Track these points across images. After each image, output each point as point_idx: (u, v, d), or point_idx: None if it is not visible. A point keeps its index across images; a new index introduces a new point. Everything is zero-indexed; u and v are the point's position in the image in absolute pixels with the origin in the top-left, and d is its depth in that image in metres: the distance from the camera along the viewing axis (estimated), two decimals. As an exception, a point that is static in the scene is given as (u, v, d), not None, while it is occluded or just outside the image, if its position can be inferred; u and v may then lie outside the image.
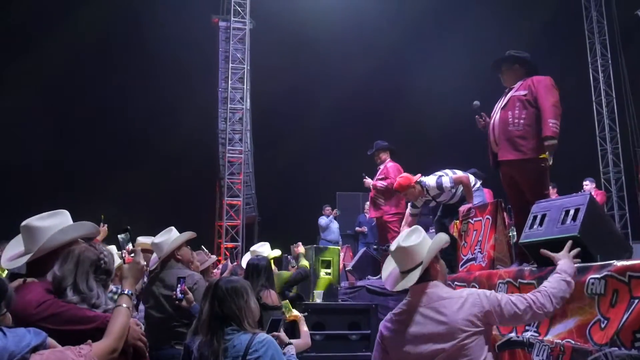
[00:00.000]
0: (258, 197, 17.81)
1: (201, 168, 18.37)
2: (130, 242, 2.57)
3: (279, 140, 18.53)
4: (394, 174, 7.32)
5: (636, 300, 3.08)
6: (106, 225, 4.35)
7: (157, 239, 4.29)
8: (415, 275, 2.71)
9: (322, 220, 12.16)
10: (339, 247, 9.13)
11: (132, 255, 2.50)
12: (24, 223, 2.54)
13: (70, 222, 2.61)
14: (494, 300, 2.65)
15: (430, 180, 6.15)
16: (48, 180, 15.89)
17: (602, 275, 3.35)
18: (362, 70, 18.17)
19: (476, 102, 5.33)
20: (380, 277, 7.44)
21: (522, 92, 4.93)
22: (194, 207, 17.49)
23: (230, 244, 16.18)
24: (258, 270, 4.12)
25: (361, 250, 8.78)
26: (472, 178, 6.25)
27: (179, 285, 3.83)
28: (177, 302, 3.86)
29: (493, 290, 2.87)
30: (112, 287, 4.44)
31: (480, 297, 2.65)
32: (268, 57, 17.74)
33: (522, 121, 4.84)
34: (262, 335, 2.70)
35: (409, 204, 6.67)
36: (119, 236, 2.58)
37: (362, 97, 18.47)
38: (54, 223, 2.53)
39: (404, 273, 2.78)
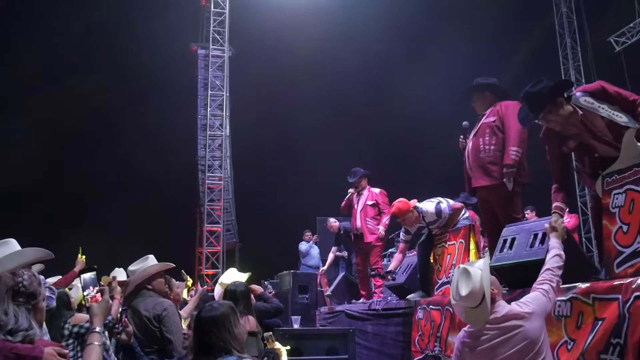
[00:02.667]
0: (238, 223, 17.77)
1: (181, 195, 18.29)
2: (97, 281, 2.61)
3: (258, 167, 18.54)
4: (382, 198, 7.63)
5: (600, 322, 3.17)
6: (84, 256, 4.35)
7: (133, 266, 4.30)
8: (486, 310, 3.01)
9: (303, 246, 12.12)
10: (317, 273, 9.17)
11: (100, 293, 2.57)
12: None
13: (15, 250, 2.60)
14: (543, 302, 3.09)
15: (428, 206, 6.11)
16: (24, 208, 15.73)
17: (568, 297, 3.45)
18: (341, 97, 18.38)
19: (465, 123, 5.45)
20: (354, 302, 7.53)
21: (492, 119, 5.08)
22: (174, 234, 17.37)
23: (210, 271, 16.10)
24: (236, 297, 4.12)
25: (340, 275, 8.81)
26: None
27: (122, 317, 3.69)
28: (116, 334, 3.73)
29: (536, 291, 3.16)
30: (88, 316, 4.45)
31: (535, 302, 3.06)
32: (247, 84, 17.85)
33: (492, 147, 5.00)
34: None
35: (401, 231, 6.68)
36: (83, 275, 2.61)
37: (340, 124, 18.63)
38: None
39: (474, 308, 3.04)
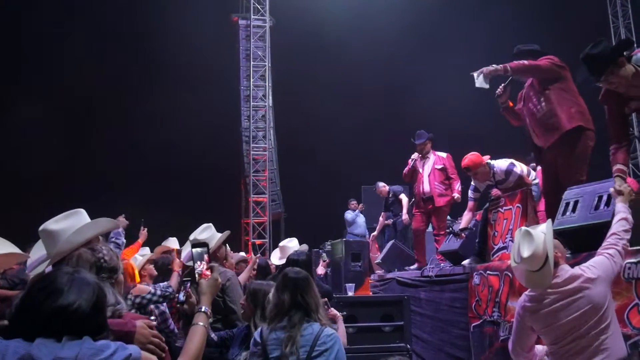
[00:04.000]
0: (283, 193, 17.89)
1: (225, 166, 18.48)
2: (207, 255, 2.48)
3: (301, 136, 18.55)
4: (450, 162, 7.51)
5: (674, 283, 3.09)
6: (146, 229, 4.41)
7: (202, 234, 4.35)
8: (549, 273, 2.96)
9: (349, 215, 12.15)
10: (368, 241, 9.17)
11: (210, 270, 2.40)
12: (41, 227, 2.51)
13: (86, 220, 2.58)
14: (608, 266, 3.01)
15: (500, 163, 6.13)
16: (72, 183, 16.11)
17: (638, 259, 3.36)
18: (385, 63, 18.15)
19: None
20: (411, 268, 7.52)
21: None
22: (219, 205, 17.59)
23: (258, 241, 16.31)
24: (299, 266, 4.11)
25: (389, 243, 8.78)
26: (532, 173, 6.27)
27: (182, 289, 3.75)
28: (178, 305, 3.67)
29: (600, 255, 3.09)
30: (150, 287, 4.56)
31: (601, 267, 3.00)
32: (288, 54, 17.77)
33: (542, 105, 4.92)
34: (330, 330, 2.77)
35: (470, 189, 6.65)
36: (193, 250, 2.47)
37: (386, 91, 18.43)
38: (69, 225, 2.50)
39: (534, 272, 3.00)
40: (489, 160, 6.13)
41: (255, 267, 5.82)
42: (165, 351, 2.14)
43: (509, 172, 6.06)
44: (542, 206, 5.67)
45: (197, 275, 2.39)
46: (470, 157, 6.16)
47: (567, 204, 4.25)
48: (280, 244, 5.99)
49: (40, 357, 1.48)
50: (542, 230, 3.05)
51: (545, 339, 3.07)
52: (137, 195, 16.10)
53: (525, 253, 2.98)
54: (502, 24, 16.02)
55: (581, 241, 4.03)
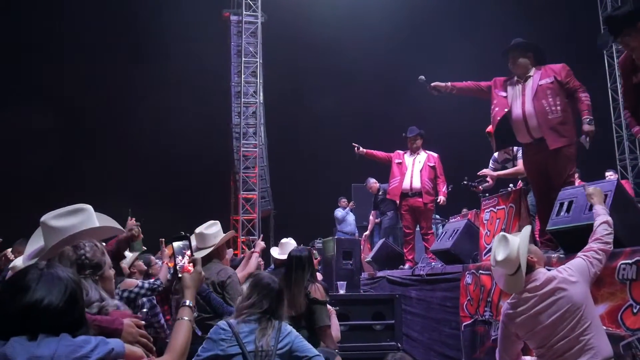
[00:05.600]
0: (273, 190, 17.84)
1: (215, 163, 18.42)
2: (189, 250, 2.43)
3: (292, 133, 18.52)
4: (440, 164, 7.58)
5: (669, 284, 3.09)
6: (134, 218, 4.35)
7: (207, 230, 4.33)
8: (521, 278, 3.04)
9: (339, 213, 12.10)
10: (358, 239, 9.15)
11: (192, 264, 2.35)
12: (43, 219, 2.42)
13: (91, 220, 2.48)
14: (585, 269, 3.05)
15: None
16: (61, 182, 15.97)
17: (633, 260, 3.36)
18: (378, 60, 18.14)
19: (422, 77, 5.63)
20: (401, 268, 7.52)
21: (548, 80, 4.93)
22: (209, 202, 17.54)
23: (245, 238, 16.26)
24: (302, 263, 4.06)
25: (380, 242, 8.77)
26: None
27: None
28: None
29: (578, 257, 3.14)
30: (138, 282, 4.51)
31: (579, 266, 3.06)
32: (279, 51, 17.72)
33: (558, 107, 4.90)
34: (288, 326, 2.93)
35: (491, 159, 6.78)
36: (174, 243, 2.40)
37: (378, 88, 18.43)
38: (72, 223, 2.41)
39: (511, 275, 3.08)
40: None
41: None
42: (152, 351, 2.07)
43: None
44: None
45: (178, 270, 2.34)
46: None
47: (562, 204, 4.25)
48: (282, 241, 5.92)
49: (15, 357, 1.43)
50: (519, 236, 3.15)
51: (531, 343, 3.10)
52: (125, 191, 16.01)
53: (500, 256, 3.09)
54: (493, 25, 16.09)
55: (575, 241, 4.02)
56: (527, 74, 5.08)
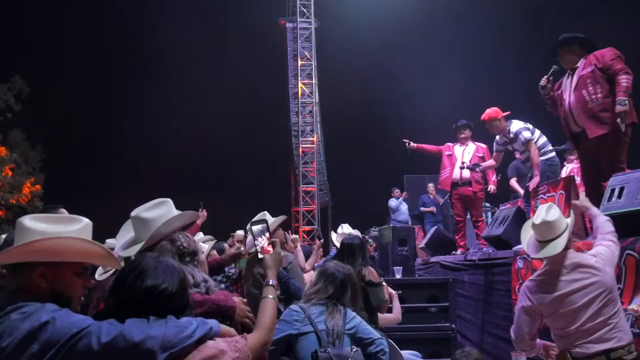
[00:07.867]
0: (330, 183, 17.89)
1: (275, 159, 18.59)
2: (268, 233, 2.43)
3: (346, 129, 18.46)
4: (489, 155, 7.28)
5: None
6: (205, 210, 4.41)
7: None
8: (560, 244, 2.95)
9: (392, 202, 12.04)
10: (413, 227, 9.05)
11: (272, 245, 2.36)
12: (133, 213, 2.55)
13: (173, 210, 2.60)
14: (610, 255, 3.00)
15: (516, 124, 6.16)
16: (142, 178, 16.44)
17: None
18: (425, 59, 17.87)
19: (555, 67, 5.15)
20: (453, 254, 7.38)
21: (589, 69, 4.73)
22: (271, 195, 17.73)
23: (307, 227, 16.38)
24: (352, 250, 4.05)
25: (433, 229, 8.65)
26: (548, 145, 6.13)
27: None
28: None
29: (602, 245, 3.07)
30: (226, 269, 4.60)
31: (606, 254, 2.99)
32: (333, 53, 17.69)
33: (599, 95, 4.67)
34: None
35: (494, 142, 6.63)
36: (253, 227, 2.39)
37: (423, 84, 18.13)
38: (159, 214, 2.53)
39: (544, 242, 2.99)
40: (508, 116, 6.20)
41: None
42: (250, 329, 2.14)
43: (517, 133, 6.08)
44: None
45: (259, 250, 2.35)
46: (488, 111, 6.23)
47: (613, 190, 4.06)
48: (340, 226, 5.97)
49: (133, 336, 1.50)
50: (571, 217, 3.10)
51: (555, 323, 2.98)
52: (197, 186, 16.36)
53: (550, 217, 2.97)
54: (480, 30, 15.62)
55: (628, 226, 3.85)
56: (574, 66, 4.89)
